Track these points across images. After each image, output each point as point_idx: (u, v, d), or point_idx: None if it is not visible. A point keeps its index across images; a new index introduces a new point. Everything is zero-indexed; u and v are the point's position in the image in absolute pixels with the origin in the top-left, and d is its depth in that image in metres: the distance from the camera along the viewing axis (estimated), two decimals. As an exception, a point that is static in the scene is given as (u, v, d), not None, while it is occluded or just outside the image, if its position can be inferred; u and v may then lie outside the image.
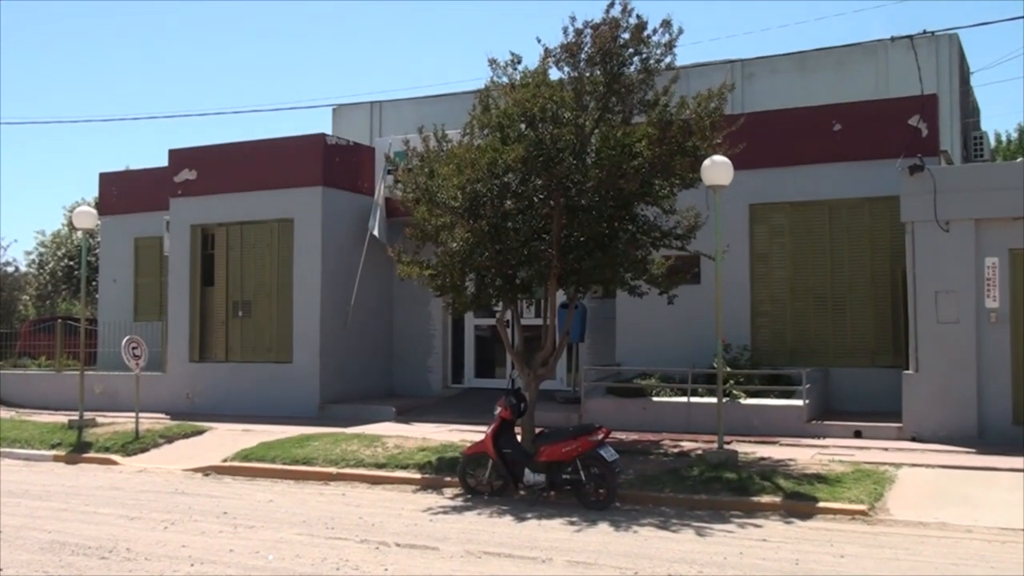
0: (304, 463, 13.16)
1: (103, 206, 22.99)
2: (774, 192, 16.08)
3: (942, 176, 13.61)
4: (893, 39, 16.84)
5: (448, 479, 11.95)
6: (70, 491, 12.27)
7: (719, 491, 10.60)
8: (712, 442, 12.47)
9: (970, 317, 13.28)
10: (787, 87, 19.78)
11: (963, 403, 13.18)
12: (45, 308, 36.24)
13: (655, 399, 15.05)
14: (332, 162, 18.76)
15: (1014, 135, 34.07)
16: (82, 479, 13.34)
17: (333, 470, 12.83)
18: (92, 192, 36.24)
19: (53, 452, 15.45)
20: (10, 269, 38.47)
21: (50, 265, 33.54)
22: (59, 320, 22.66)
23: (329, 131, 22.98)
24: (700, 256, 13.50)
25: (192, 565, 8.22)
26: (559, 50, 12.12)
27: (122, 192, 22.93)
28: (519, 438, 11.70)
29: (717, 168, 11.91)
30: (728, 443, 12.42)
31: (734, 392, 14.33)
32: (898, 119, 15.16)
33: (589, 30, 11.97)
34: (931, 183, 13.44)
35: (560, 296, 13.49)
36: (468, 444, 12.28)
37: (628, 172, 11.63)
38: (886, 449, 12.69)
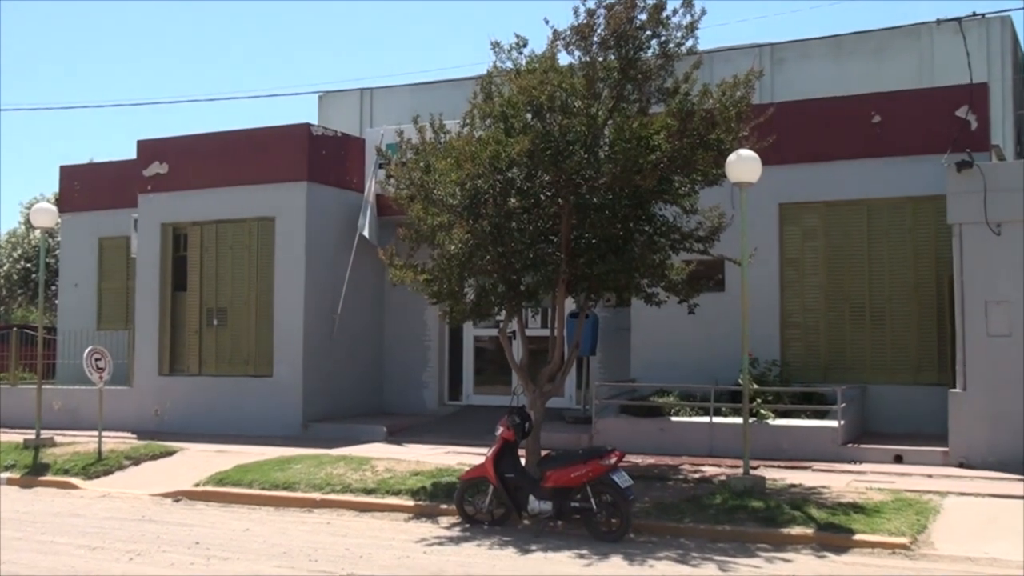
0: (285, 488, 13.17)
1: (64, 202, 23.06)
2: (806, 190, 16.09)
3: (993, 173, 13.61)
4: (939, 22, 16.89)
5: (444, 507, 11.95)
6: (25, 518, 12.27)
7: (744, 521, 10.59)
8: (737, 467, 12.46)
9: (1024, 330, 13.27)
10: (821, 74, 19.82)
11: (1016, 425, 13.14)
12: (-1, 315, 36.33)
13: (674, 419, 15.05)
14: (318, 155, 18.80)
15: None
16: (38, 505, 13.35)
17: (317, 496, 12.84)
18: (52, 187, 36.44)
19: (7, 475, 15.47)
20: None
21: (4, 267, 33.56)
22: (14, 328, 22.64)
23: (315, 121, 23.08)
24: (724, 261, 13.51)
25: (160, 600, 8.23)
26: (569, 32, 12.14)
27: (85, 187, 23.00)
28: (523, 461, 11.70)
29: (743, 163, 11.93)
30: (755, 468, 12.42)
31: (762, 412, 14.32)
32: (944, 110, 15.17)
33: (602, 10, 11.98)
34: (981, 181, 13.44)
35: (569, 304, 13.50)
36: (466, 468, 12.29)
37: (645, 167, 11.64)
38: (930, 476, 12.68)
